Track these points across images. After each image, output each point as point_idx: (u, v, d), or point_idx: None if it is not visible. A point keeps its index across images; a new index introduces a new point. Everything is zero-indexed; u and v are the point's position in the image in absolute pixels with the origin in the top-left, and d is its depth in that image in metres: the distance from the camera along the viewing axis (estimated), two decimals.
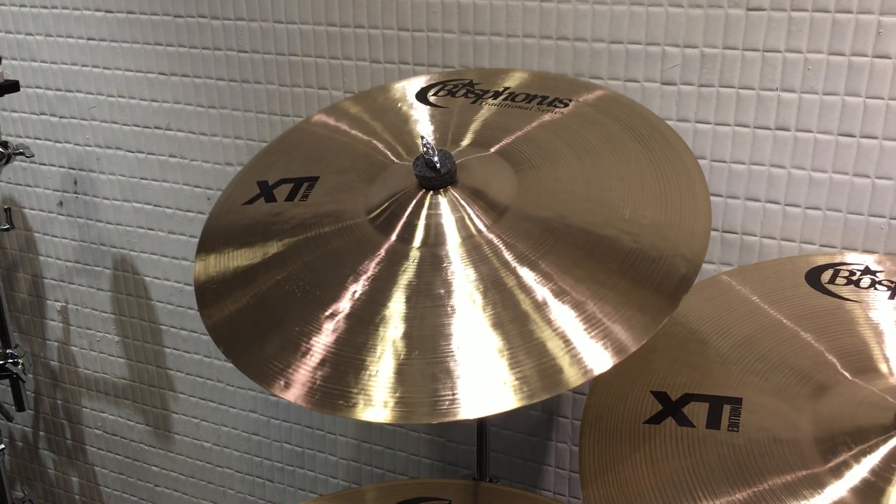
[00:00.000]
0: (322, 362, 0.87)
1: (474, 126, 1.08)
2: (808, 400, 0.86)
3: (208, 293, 0.99)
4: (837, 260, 1.07)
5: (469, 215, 0.95)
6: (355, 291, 0.91)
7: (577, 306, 0.85)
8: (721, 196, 1.21)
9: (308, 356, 0.88)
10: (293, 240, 1.00)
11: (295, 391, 0.86)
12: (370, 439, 1.61)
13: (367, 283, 0.92)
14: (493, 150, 1.03)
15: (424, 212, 0.95)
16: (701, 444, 0.85)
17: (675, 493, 0.81)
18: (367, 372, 0.85)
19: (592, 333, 0.83)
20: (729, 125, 1.18)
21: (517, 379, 0.81)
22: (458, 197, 0.96)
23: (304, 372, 0.87)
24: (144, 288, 1.73)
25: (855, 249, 1.15)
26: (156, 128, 1.59)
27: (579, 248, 0.90)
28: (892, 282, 1.00)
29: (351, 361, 0.86)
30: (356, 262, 0.94)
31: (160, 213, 1.65)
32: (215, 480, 1.82)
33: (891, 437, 0.80)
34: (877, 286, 0.99)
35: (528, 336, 0.84)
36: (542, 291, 0.87)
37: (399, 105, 1.16)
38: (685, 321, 0.99)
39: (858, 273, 1.02)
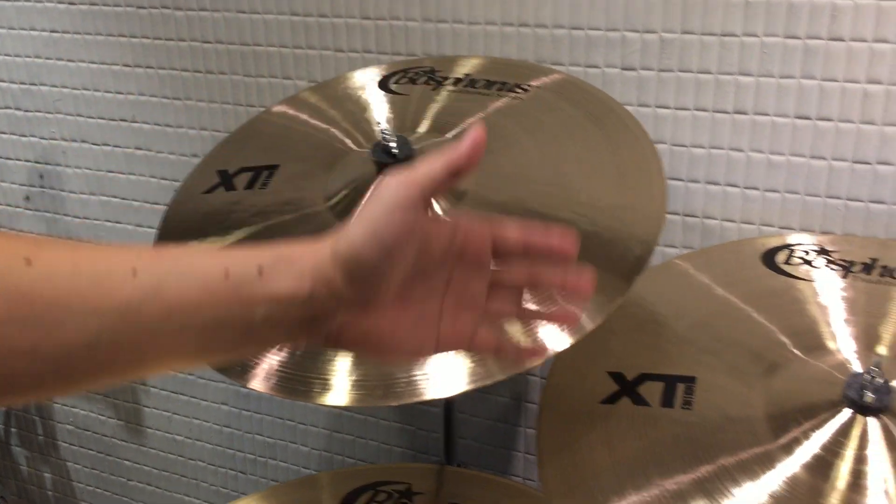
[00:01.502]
0: (279, 347, 0.87)
1: (432, 112, 1.08)
2: (761, 378, 0.87)
3: None
4: (794, 241, 1.08)
5: None
6: None
7: None
8: (682, 180, 1.21)
9: None
10: (253, 228, 1.00)
11: (252, 377, 0.86)
12: (341, 429, 1.61)
13: None
14: (450, 135, 1.03)
15: None
16: (656, 423, 0.86)
17: (630, 472, 0.82)
18: (324, 356, 0.85)
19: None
20: (688, 109, 1.18)
21: (473, 360, 0.82)
22: None
23: (261, 357, 0.87)
24: None
25: (813, 231, 1.16)
26: (121, 120, 1.58)
27: None
28: (845, 261, 1.01)
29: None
30: None
31: (127, 206, 1.64)
32: (188, 473, 1.81)
33: (838, 411, 0.81)
34: (831, 266, 1.00)
35: None
36: None
37: (359, 94, 1.16)
38: (643, 303, 1.00)
39: (814, 253, 1.03)
